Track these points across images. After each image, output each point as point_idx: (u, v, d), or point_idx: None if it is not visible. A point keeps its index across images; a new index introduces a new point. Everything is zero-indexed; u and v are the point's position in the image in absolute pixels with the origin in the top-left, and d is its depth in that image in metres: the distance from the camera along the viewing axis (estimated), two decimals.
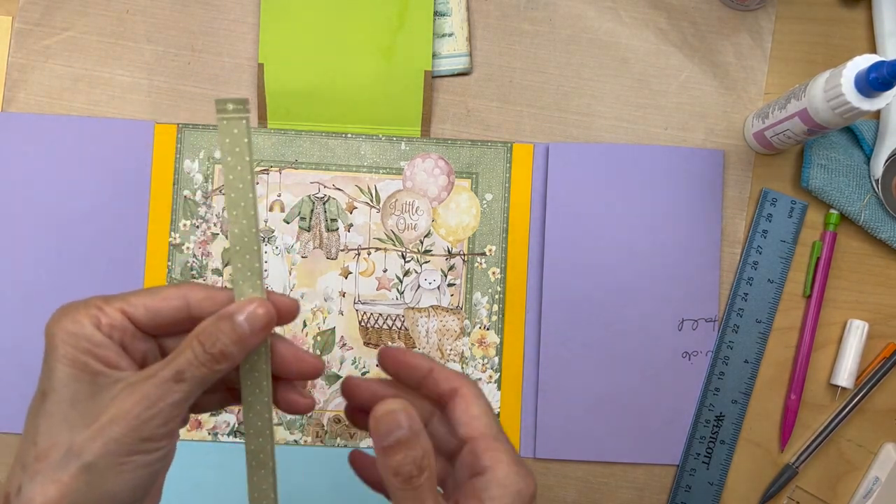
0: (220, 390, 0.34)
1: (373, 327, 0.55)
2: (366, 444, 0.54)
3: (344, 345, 0.55)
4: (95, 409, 0.29)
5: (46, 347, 0.30)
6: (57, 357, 0.29)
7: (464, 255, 0.55)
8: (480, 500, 0.31)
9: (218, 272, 0.55)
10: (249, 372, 0.32)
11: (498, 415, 0.54)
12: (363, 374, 0.55)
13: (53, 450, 0.28)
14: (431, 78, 0.55)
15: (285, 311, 0.32)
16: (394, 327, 0.55)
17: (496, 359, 0.54)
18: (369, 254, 0.55)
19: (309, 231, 0.55)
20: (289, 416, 0.54)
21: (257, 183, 0.30)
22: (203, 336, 0.29)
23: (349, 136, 0.55)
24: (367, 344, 0.55)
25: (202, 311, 0.31)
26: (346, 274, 0.55)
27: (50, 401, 0.29)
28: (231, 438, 0.54)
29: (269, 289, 0.36)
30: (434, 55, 0.55)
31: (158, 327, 0.31)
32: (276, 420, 0.54)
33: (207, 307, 0.31)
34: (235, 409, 0.54)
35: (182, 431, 0.53)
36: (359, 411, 0.35)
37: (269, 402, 0.32)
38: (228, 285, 0.54)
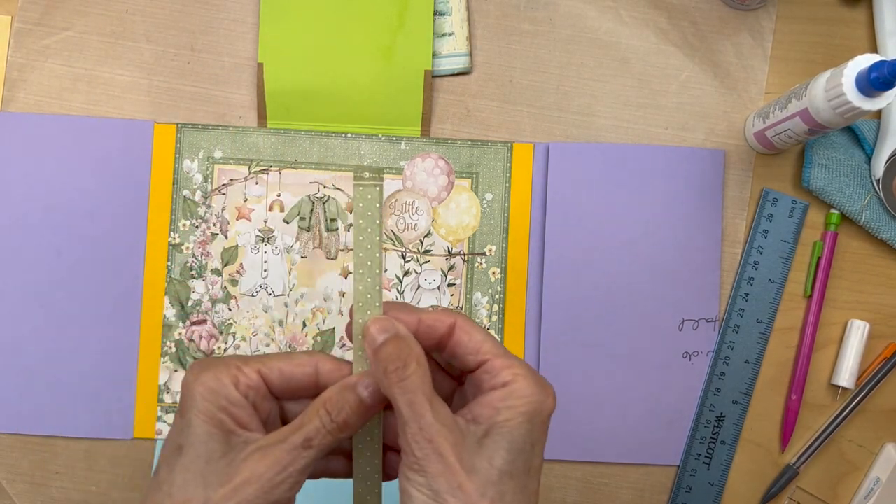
0: (324, 456, 0.35)
1: None
2: None
3: (344, 345, 0.55)
4: (229, 469, 0.30)
5: (184, 401, 0.31)
6: (196, 412, 0.31)
7: (464, 255, 0.55)
8: (496, 408, 0.31)
9: (217, 272, 0.54)
10: (362, 437, 0.33)
11: None
12: None
13: None
14: (431, 77, 0.55)
15: None
16: None
17: None
18: None
19: (309, 231, 0.55)
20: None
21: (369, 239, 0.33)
22: (329, 405, 0.31)
23: (349, 135, 0.55)
24: None
25: (329, 381, 0.33)
26: (346, 274, 0.55)
27: (186, 455, 0.30)
28: None
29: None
30: (434, 55, 0.55)
31: (287, 391, 0.33)
32: None
33: (335, 378, 0.33)
34: None
35: None
36: None
37: (380, 474, 0.33)
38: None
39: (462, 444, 0.30)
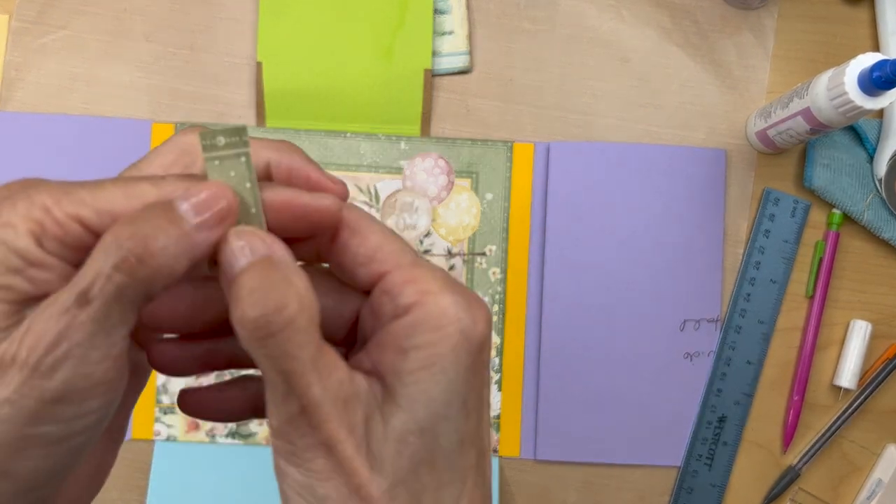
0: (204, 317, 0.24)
1: None
2: None
3: None
4: None
5: None
6: None
7: (464, 255, 0.55)
8: (403, 351, 0.21)
9: None
10: None
11: (498, 416, 0.54)
12: None
13: None
14: (431, 76, 0.55)
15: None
16: None
17: (496, 359, 0.54)
18: None
19: None
20: None
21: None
22: (122, 234, 0.19)
23: (349, 135, 0.55)
24: None
25: None
26: None
27: None
28: (230, 440, 0.53)
29: None
30: (434, 53, 0.55)
31: None
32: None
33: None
34: None
35: (179, 433, 0.53)
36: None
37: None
38: None
39: (363, 422, 0.21)
